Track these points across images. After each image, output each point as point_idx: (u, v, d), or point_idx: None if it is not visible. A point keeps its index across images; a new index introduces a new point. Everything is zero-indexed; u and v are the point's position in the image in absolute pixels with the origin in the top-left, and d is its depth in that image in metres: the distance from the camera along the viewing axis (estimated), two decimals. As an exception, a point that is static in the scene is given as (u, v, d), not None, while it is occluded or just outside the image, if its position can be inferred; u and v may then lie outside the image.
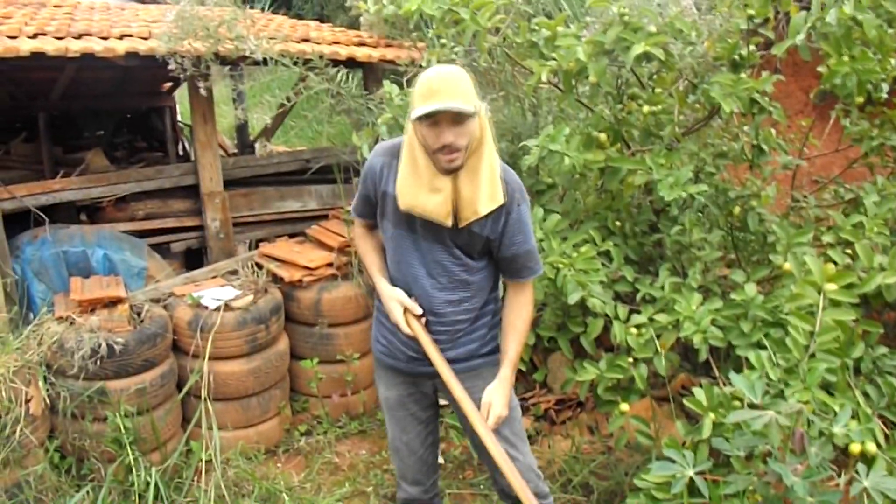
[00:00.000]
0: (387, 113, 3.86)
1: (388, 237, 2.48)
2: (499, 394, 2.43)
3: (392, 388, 2.66)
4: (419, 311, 2.46)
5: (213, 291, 4.20)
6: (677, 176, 3.28)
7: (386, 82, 3.95)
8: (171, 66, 4.35)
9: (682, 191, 3.23)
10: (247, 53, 4.39)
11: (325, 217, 5.36)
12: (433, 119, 2.14)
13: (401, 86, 4.03)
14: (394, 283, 2.52)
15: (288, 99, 4.73)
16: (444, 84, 2.13)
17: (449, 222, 2.29)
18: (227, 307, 4.05)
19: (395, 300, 2.46)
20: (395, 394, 2.66)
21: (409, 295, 2.47)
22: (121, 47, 4.26)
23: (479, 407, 2.42)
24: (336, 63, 4.84)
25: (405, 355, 2.57)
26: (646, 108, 3.63)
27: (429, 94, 2.13)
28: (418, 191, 2.26)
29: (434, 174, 2.23)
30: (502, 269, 2.50)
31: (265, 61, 4.47)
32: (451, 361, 2.48)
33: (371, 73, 5.67)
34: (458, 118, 2.14)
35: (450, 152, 2.17)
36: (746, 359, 2.80)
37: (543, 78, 3.52)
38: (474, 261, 2.44)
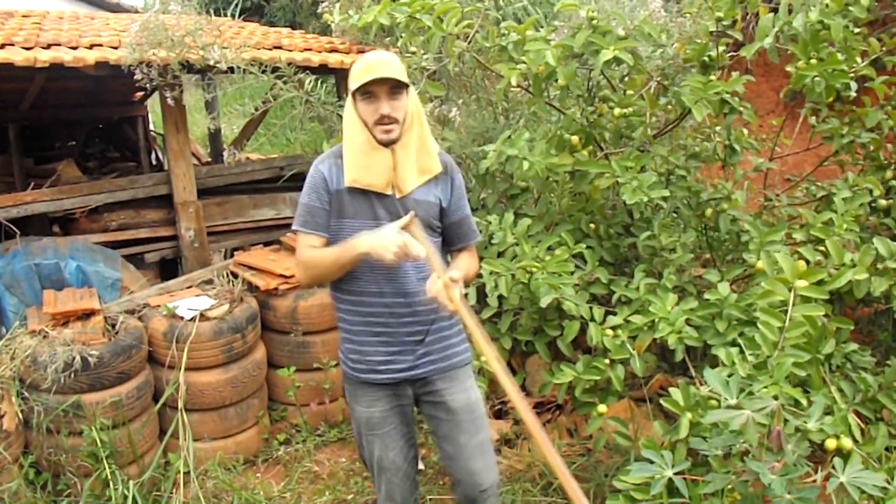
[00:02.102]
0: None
1: (353, 236, 2.40)
2: (457, 272, 2.35)
3: (374, 405, 2.56)
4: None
5: (189, 301, 4.14)
6: (640, 180, 3.29)
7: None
8: (138, 76, 4.29)
9: (644, 195, 3.25)
10: (212, 63, 4.34)
11: (301, 224, 5.28)
12: (370, 92, 2.32)
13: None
14: (363, 285, 2.46)
15: (256, 109, 4.68)
16: (380, 61, 2.33)
17: (389, 191, 2.41)
18: (203, 317, 4.00)
19: (378, 235, 2.29)
20: (378, 410, 2.56)
21: (384, 292, 2.45)
22: (90, 57, 4.21)
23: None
24: (309, 70, 4.81)
25: (382, 363, 2.51)
26: (617, 111, 3.64)
27: (366, 69, 2.32)
28: (359, 164, 2.38)
29: (373, 146, 2.37)
30: (451, 236, 2.59)
31: (233, 69, 4.42)
32: (431, 359, 2.52)
33: (344, 80, 5.62)
34: (393, 92, 2.34)
35: (388, 122, 2.34)
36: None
37: (513, 82, 3.52)
38: (432, 233, 2.50)
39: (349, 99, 2.40)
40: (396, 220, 2.37)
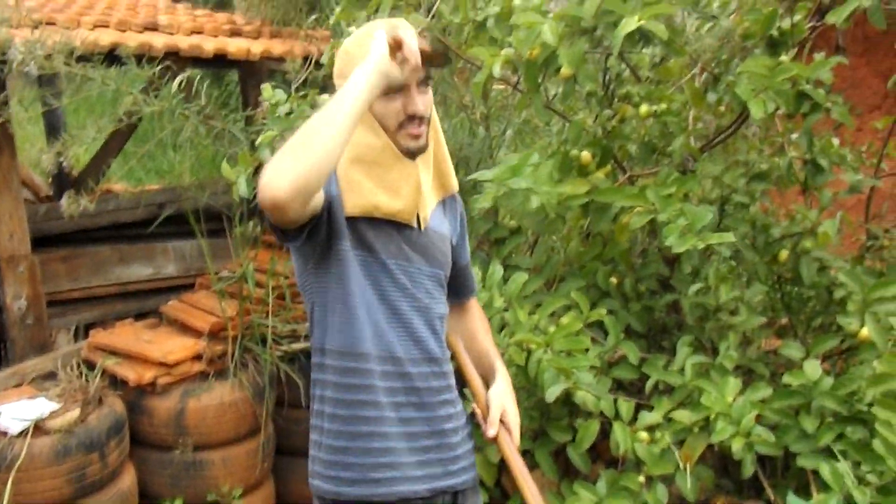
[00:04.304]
0: (270, 129, 3.79)
1: (358, 268, 2.35)
2: (510, 398, 2.53)
3: None
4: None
5: (17, 407, 4.05)
6: (693, 217, 3.22)
7: (266, 86, 3.89)
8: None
9: (698, 241, 3.17)
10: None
11: (190, 287, 5.29)
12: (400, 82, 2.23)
13: (289, 92, 3.96)
14: (379, 342, 2.37)
15: (121, 119, 4.64)
16: (409, 33, 2.20)
17: (413, 220, 2.39)
18: (40, 429, 3.93)
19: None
20: None
21: (413, 351, 2.42)
22: None
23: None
24: (200, 62, 4.78)
25: (412, 467, 2.39)
26: (643, 109, 3.61)
27: None
28: (380, 182, 2.31)
29: (396, 157, 2.31)
30: (452, 286, 2.62)
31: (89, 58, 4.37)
32: (468, 463, 2.54)
33: (250, 75, 5.65)
34: (425, 83, 2.31)
35: (418, 124, 2.30)
36: (815, 472, 2.77)
37: (497, 72, 3.48)
38: (442, 288, 2.54)
39: None
40: (423, 261, 2.42)
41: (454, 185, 2.54)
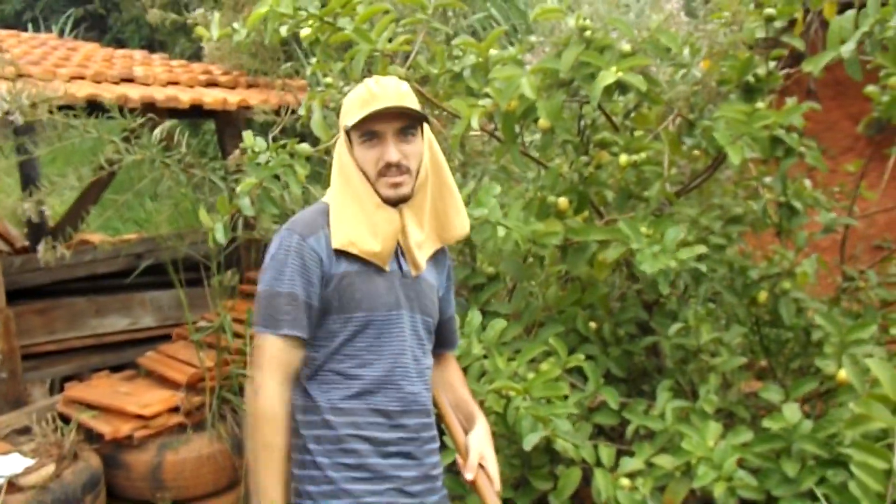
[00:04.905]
0: (249, 178, 3.76)
1: (355, 331, 2.42)
2: (489, 444, 2.56)
3: None
4: None
5: (-8, 462, 4.00)
6: (664, 241, 3.25)
7: (247, 134, 3.87)
8: None
9: (670, 259, 3.20)
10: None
11: (168, 338, 5.26)
12: (373, 132, 2.37)
13: (268, 140, 3.95)
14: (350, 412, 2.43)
15: (99, 168, 4.63)
16: (386, 87, 2.38)
17: (388, 267, 2.44)
18: (14, 486, 3.87)
19: None
20: None
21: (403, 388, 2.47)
22: None
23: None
24: (177, 113, 4.78)
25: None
26: (623, 159, 3.62)
27: (368, 98, 2.36)
28: (358, 221, 2.40)
29: (377, 203, 2.40)
30: (438, 338, 2.67)
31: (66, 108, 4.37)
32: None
33: (227, 126, 5.64)
34: (404, 131, 2.38)
35: (396, 173, 2.37)
36: (797, 516, 2.74)
37: (475, 124, 3.49)
38: (432, 337, 2.60)
39: (341, 140, 2.45)
40: (417, 307, 2.48)
41: (456, 235, 2.59)
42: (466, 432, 2.56)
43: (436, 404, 2.61)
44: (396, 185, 2.37)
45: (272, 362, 2.35)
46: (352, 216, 2.39)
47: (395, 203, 2.40)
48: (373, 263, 2.40)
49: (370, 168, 2.38)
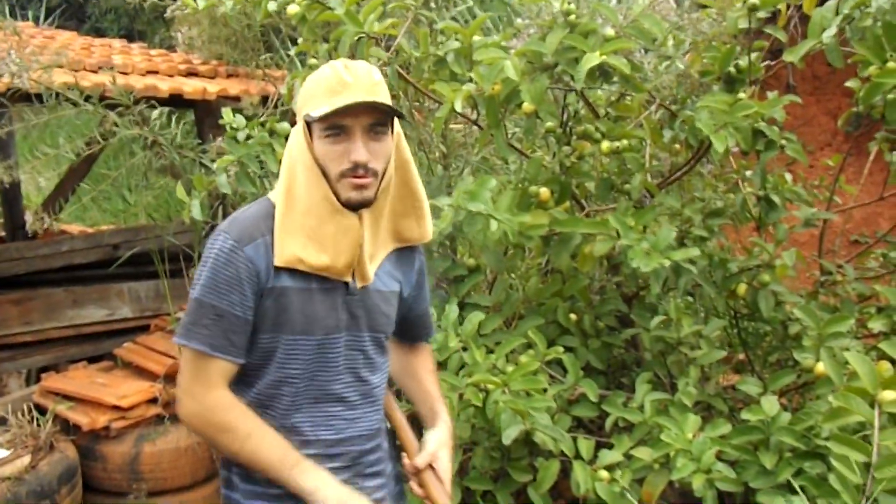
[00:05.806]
0: (227, 154, 3.72)
1: (287, 353, 2.25)
2: (447, 446, 2.45)
3: None
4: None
5: (-33, 453, 4.00)
6: (655, 239, 3.26)
7: (226, 111, 3.82)
8: None
9: (663, 259, 3.20)
10: (14, 83, 4.23)
11: (146, 329, 5.25)
12: (341, 127, 2.13)
13: (249, 118, 3.93)
14: (297, 431, 2.28)
15: (78, 153, 4.60)
16: (358, 75, 2.14)
17: (348, 277, 2.24)
18: (-10, 477, 3.87)
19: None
20: None
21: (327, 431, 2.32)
22: None
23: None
24: (154, 102, 4.76)
25: None
26: (605, 146, 3.63)
27: (337, 85, 2.13)
28: (310, 233, 2.18)
29: (335, 208, 2.18)
30: (405, 331, 2.58)
31: (40, 97, 4.34)
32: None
33: (207, 115, 5.61)
34: (374, 128, 2.16)
35: (362, 175, 2.15)
36: (774, 508, 2.75)
37: (458, 107, 3.48)
38: (384, 352, 2.44)
39: (298, 130, 2.22)
40: (365, 325, 2.31)
41: (413, 241, 2.41)
42: (426, 429, 2.48)
43: (389, 419, 2.50)
44: (361, 188, 2.15)
45: (195, 369, 2.20)
46: (300, 224, 2.18)
47: (357, 207, 2.19)
48: (319, 278, 2.21)
49: (332, 166, 2.15)
